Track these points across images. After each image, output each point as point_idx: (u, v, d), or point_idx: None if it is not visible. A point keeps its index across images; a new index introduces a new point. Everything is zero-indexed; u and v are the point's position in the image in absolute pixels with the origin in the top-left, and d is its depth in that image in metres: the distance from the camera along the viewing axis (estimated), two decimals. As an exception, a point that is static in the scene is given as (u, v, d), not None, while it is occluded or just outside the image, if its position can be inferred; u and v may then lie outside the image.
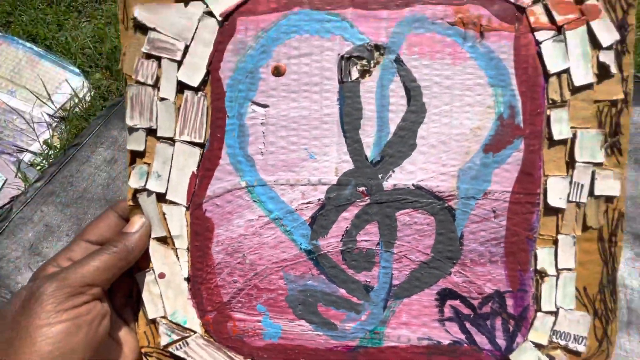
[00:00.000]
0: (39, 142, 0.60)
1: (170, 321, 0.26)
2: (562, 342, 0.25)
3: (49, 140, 0.60)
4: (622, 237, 0.25)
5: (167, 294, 0.26)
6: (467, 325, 0.26)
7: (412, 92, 0.25)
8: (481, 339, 0.26)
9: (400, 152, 0.25)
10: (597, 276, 0.25)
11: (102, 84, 0.72)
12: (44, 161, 0.60)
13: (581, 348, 0.25)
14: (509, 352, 0.25)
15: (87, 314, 0.20)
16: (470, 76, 0.25)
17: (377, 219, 0.26)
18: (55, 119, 0.64)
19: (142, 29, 0.25)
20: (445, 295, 0.26)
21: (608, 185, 0.24)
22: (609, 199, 0.25)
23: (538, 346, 0.25)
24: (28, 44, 0.70)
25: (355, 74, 0.25)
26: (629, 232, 0.49)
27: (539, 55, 0.24)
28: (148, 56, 0.25)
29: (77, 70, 0.71)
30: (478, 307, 0.26)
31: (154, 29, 0.25)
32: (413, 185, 0.26)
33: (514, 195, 0.25)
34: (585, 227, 0.25)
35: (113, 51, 0.77)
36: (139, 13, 0.25)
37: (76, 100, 0.66)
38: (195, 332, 0.26)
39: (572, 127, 0.25)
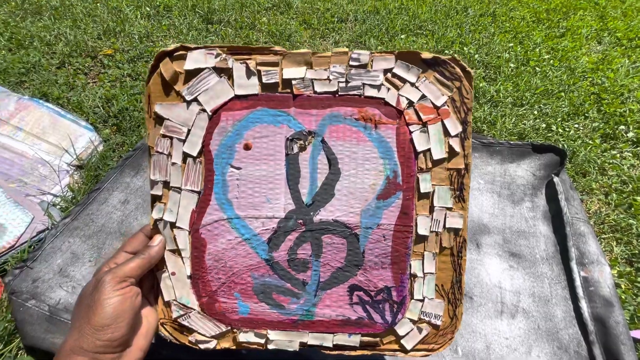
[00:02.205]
0: (60, 186, 0.72)
1: (178, 302, 0.36)
2: (427, 318, 0.36)
3: (70, 185, 0.73)
4: (466, 254, 0.35)
5: (176, 285, 0.36)
6: (367, 307, 0.36)
7: (332, 161, 0.35)
8: (376, 316, 0.36)
9: (325, 198, 0.35)
10: (449, 278, 0.36)
11: (111, 138, 0.86)
12: (62, 202, 0.72)
13: (438, 322, 0.36)
14: (394, 325, 0.36)
15: (129, 293, 0.31)
16: (368, 151, 0.35)
17: (310, 240, 0.36)
18: (73, 167, 0.77)
19: (160, 118, 0.34)
20: (353, 288, 0.36)
21: (455, 222, 0.35)
22: (456, 230, 0.35)
23: (412, 321, 0.36)
24: (50, 105, 0.84)
25: (296, 149, 0.35)
26: (507, 250, 0.69)
27: (411, 140, 0.35)
28: (164, 136, 0.34)
29: (91, 127, 0.85)
30: (374, 296, 0.36)
31: (168, 119, 0.34)
32: (332, 219, 0.35)
33: (396, 226, 0.35)
34: (442, 248, 0.35)
35: (121, 111, 0.92)
36: (159, 109, 0.34)
37: (89, 151, 0.80)
38: (194, 309, 0.36)
39: (432, 184, 0.35)
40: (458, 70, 0.34)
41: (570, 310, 0.59)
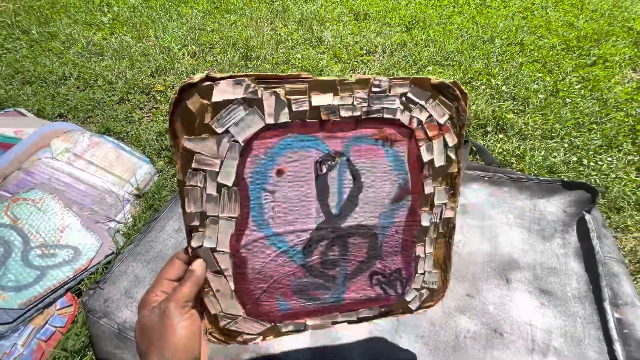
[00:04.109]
0: (123, 213, 0.82)
1: (225, 313, 0.40)
2: (427, 285, 0.46)
3: (131, 213, 0.82)
4: (454, 237, 0.45)
5: (221, 300, 0.39)
6: (384, 286, 0.45)
7: (356, 176, 0.40)
8: (390, 291, 0.45)
9: (350, 208, 0.41)
10: (442, 254, 0.46)
11: (164, 170, 0.97)
12: (124, 228, 0.81)
13: (434, 287, 0.46)
14: (403, 295, 0.46)
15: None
16: (385, 165, 0.41)
17: (338, 243, 0.42)
18: (133, 196, 0.87)
19: (190, 152, 0.34)
20: (373, 274, 0.45)
21: (449, 213, 0.44)
22: (450, 219, 0.44)
23: (416, 289, 0.46)
24: (114, 140, 0.96)
25: (324, 170, 0.39)
26: (537, 287, 0.70)
27: (419, 153, 0.41)
28: (196, 169, 0.34)
29: (148, 159, 0.96)
30: (389, 277, 0.45)
31: (199, 153, 0.34)
32: (356, 224, 0.42)
33: (406, 222, 0.43)
34: (439, 234, 0.44)
35: (172, 144, 1.03)
36: (189, 144, 0.34)
37: (147, 182, 0.90)
38: (240, 315, 0.40)
39: (433, 186, 0.42)
40: (458, 92, 0.40)
41: (603, 352, 0.59)
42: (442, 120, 0.40)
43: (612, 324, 0.60)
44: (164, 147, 1.03)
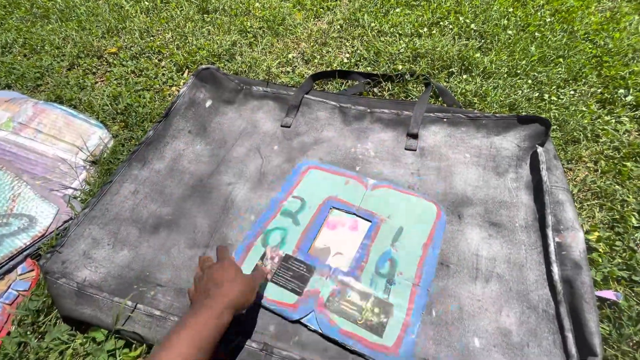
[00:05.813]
0: (78, 180, 0.81)
1: None
2: None
3: (87, 179, 0.81)
4: None
5: None
6: None
7: None
8: None
9: None
10: None
11: (119, 134, 0.94)
12: (82, 195, 0.81)
13: None
14: None
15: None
16: None
17: None
18: (88, 163, 0.85)
19: None
20: None
21: None
22: None
23: None
24: (63, 107, 0.92)
25: None
26: (487, 220, 0.72)
27: None
28: None
29: (101, 124, 0.93)
30: None
31: None
32: None
33: None
34: None
35: (126, 107, 0.99)
36: None
37: (101, 148, 0.88)
38: None
39: None
40: None
41: (542, 274, 0.62)
42: None
43: (552, 248, 0.63)
44: (119, 112, 0.99)
